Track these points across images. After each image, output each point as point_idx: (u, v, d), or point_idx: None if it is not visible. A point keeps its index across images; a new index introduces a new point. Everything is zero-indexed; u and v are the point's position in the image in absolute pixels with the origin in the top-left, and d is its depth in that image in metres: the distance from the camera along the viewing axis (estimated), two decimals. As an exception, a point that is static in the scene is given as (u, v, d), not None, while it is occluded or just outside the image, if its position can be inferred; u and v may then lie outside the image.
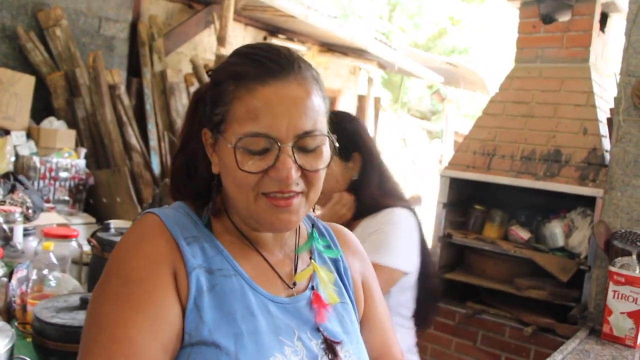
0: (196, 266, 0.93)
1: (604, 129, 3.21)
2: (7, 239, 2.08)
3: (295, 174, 0.92)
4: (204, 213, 1.02)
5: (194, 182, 1.06)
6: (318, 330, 1.01)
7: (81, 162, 4.66)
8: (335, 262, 1.14)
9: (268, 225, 0.97)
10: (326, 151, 0.97)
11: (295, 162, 0.92)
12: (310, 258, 1.10)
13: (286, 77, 0.92)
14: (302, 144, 0.93)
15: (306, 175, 0.94)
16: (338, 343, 1.01)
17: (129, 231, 0.96)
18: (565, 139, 3.29)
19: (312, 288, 1.05)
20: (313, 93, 0.94)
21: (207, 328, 0.89)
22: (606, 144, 3.16)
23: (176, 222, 0.97)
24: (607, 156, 3.07)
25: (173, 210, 1.01)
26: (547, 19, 3.49)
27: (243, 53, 0.97)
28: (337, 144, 0.99)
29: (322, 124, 0.95)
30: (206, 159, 1.02)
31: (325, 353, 0.98)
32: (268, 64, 0.92)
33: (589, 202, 3.14)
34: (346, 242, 1.20)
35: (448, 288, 3.69)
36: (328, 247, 1.14)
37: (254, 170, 0.91)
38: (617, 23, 3.58)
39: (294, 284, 1.04)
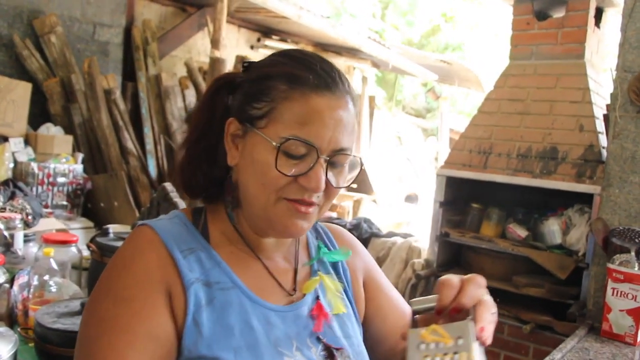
0: (194, 280, 0.92)
1: (600, 126, 3.21)
2: (8, 245, 2.08)
3: (322, 186, 0.92)
4: (201, 221, 1.01)
5: (209, 174, 1.04)
6: (317, 337, 1.00)
7: (79, 167, 4.67)
8: (334, 264, 1.13)
9: (281, 229, 0.96)
10: (347, 170, 0.98)
11: (325, 175, 0.92)
12: (315, 269, 1.09)
13: (338, 92, 0.94)
14: (335, 160, 0.94)
15: (328, 189, 0.95)
16: (339, 349, 1.00)
17: (122, 246, 0.95)
18: (561, 136, 3.29)
19: (317, 298, 1.05)
20: (355, 115, 0.96)
21: (207, 343, 0.89)
22: (603, 140, 3.17)
23: (171, 233, 0.95)
24: (604, 153, 3.07)
25: (168, 221, 0.99)
26: (541, 16, 3.49)
27: (296, 57, 0.97)
28: (363, 165, 1.00)
29: (353, 145, 0.97)
30: (220, 149, 1.00)
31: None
32: (324, 75, 0.93)
33: (586, 199, 3.15)
34: (344, 242, 1.19)
35: (447, 286, 3.69)
36: (337, 252, 1.14)
37: (287, 172, 0.91)
38: (613, 18, 3.58)
39: (294, 290, 1.04)
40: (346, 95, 0.95)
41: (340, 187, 0.97)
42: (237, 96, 0.99)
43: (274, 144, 0.91)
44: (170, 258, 0.92)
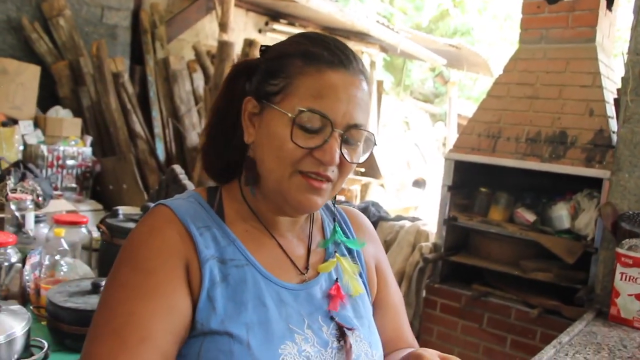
0: (209, 257, 0.94)
1: (610, 110, 3.19)
2: (20, 226, 2.10)
3: (337, 159, 0.94)
4: (216, 200, 1.03)
5: (227, 156, 1.06)
6: (330, 317, 1.02)
7: (87, 150, 4.69)
8: (349, 247, 1.15)
9: (294, 204, 0.97)
10: (362, 149, 1.00)
11: (340, 149, 0.94)
12: (335, 252, 1.11)
13: (353, 70, 0.96)
14: (349, 135, 0.96)
15: (342, 164, 0.96)
16: (351, 329, 1.02)
17: (140, 222, 0.97)
18: (571, 121, 3.28)
19: (336, 280, 1.07)
20: (368, 95, 0.98)
21: (220, 318, 0.90)
22: (613, 125, 3.15)
23: (188, 212, 0.97)
24: (614, 137, 3.06)
25: (184, 201, 1.01)
26: (552, -1, 3.46)
27: (313, 37, 1.00)
28: (376, 144, 1.02)
29: (368, 123, 0.99)
30: (238, 132, 1.02)
31: (337, 339, 0.99)
32: (339, 54, 0.96)
33: (595, 184, 3.14)
34: (360, 226, 1.21)
35: (453, 270, 3.71)
36: (351, 241, 1.15)
37: (303, 145, 0.93)
38: (625, 1, 3.53)
39: (307, 269, 1.05)
40: (360, 74, 0.97)
41: (354, 163, 0.98)
42: (254, 78, 1.01)
43: (290, 115, 0.93)
44: (188, 235, 0.94)
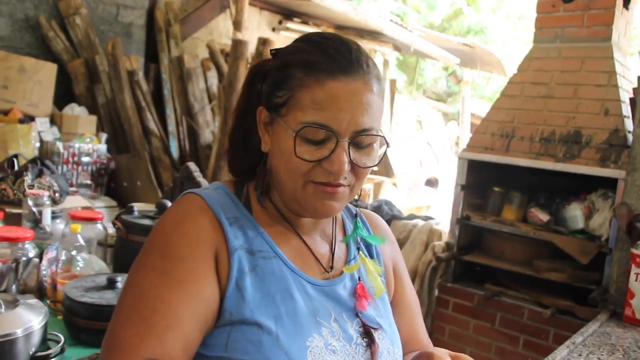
0: (238, 247, 0.95)
1: (626, 110, 3.16)
2: (37, 221, 2.12)
3: (346, 168, 0.94)
4: (243, 193, 1.04)
5: (248, 157, 1.07)
6: (355, 314, 1.03)
7: (102, 147, 4.73)
8: (368, 247, 1.16)
9: (312, 210, 0.99)
10: (377, 149, 0.99)
11: (349, 156, 0.94)
12: (358, 249, 1.12)
13: (355, 74, 0.93)
14: (358, 140, 0.95)
15: (355, 170, 0.96)
16: (376, 329, 1.03)
17: (171, 209, 0.98)
18: (585, 120, 3.26)
19: (359, 279, 1.07)
20: (376, 93, 0.96)
21: (249, 308, 0.91)
22: (629, 124, 3.12)
23: (218, 202, 0.99)
24: (630, 137, 3.04)
25: (213, 191, 1.02)
26: (567, -2, 3.44)
27: (314, 42, 0.98)
28: (389, 143, 1.01)
29: (378, 123, 0.97)
30: (257, 135, 1.03)
31: (361, 336, 1.00)
32: (340, 59, 0.94)
33: (610, 184, 3.12)
34: (378, 228, 1.22)
35: (466, 270, 3.70)
36: (374, 237, 1.15)
37: (309, 158, 0.93)
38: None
39: (331, 267, 1.06)
40: (365, 76, 0.95)
41: (369, 167, 0.97)
42: (265, 84, 1.01)
43: (291, 132, 0.93)
44: (218, 224, 0.95)
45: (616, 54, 3.31)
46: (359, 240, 1.14)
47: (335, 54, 0.94)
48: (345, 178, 0.96)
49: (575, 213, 3.31)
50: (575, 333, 2.33)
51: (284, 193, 1.01)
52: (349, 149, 0.93)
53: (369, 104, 0.94)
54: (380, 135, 0.97)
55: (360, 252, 1.11)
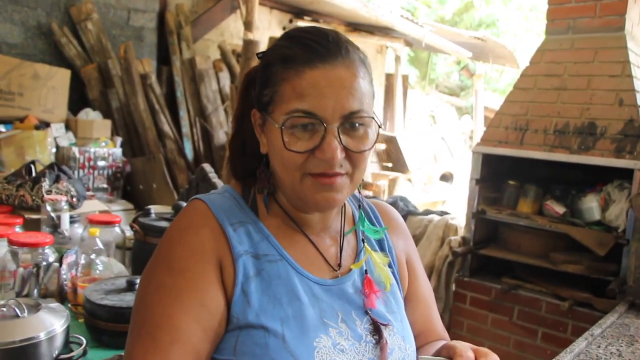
0: (242, 252, 0.96)
1: (641, 99, 3.14)
2: (55, 226, 2.15)
3: (340, 155, 0.93)
4: (250, 195, 1.05)
5: (247, 162, 1.08)
6: (364, 311, 1.02)
7: (117, 151, 4.77)
8: (380, 241, 1.16)
9: (312, 204, 0.98)
10: (372, 133, 0.97)
11: (341, 142, 0.93)
12: (363, 241, 1.12)
13: (334, 60, 0.93)
14: (348, 125, 0.94)
15: (351, 156, 0.95)
16: (386, 325, 1.03)
17: (177, 219, 0.99)
18: (600, 111, 3.24)
19: (365, 272, 1.07)
20: (360, 76, 0.95)
21: (255, 312, 0.92)
22: (643, 114, 3.10)
23: (222, 207, 0.99)
24: (644, 127, 3.02)
25: (219, 196, 1.03)
26: (579, -11, 3.41)
27: (292, 36, 0.99)
28: (381, 125, 1.00)
29: (368, 106, 0.96)
30: (256, 139, 1.04)
31: (370, 334, 1.00)
32: (316, 47, 0.93)
33: (626, 175, 3.10)
34: (390, 221, 1.21)
35: (483, 264, 3.69)
36: (374, 229, 1.14)
37: (300, 150, 0.93)
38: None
39: (339, 266, 1.06)
40: (346, 60, 0.94)
41: (363, 151, 0.96)
42: (255, 87, 1.02)
43: (277, 125, 0.94)
44: (222, 231, 0.96)
45: (630, 44, 3.28)
46: (366, 234, 1.13)
47: (312, 44, 0.94)
48: (341, 166, 0.95)
49: (591, 205, 3.29)
50: (594, 325, 2.32)
51: (285, 190, 1.02)
52: (339, 135, 0.92)
53: (353, 88, 0.93)
54: (370, 117, 0.96)
55: (366, 244, 1.11)
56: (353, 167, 0.97)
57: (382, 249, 1.15)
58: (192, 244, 0.94)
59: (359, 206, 1.15)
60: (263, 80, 0.98)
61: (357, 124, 0.95)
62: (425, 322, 1.20)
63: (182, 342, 0.88)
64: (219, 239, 0.96)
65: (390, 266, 1.13)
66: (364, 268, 1.08)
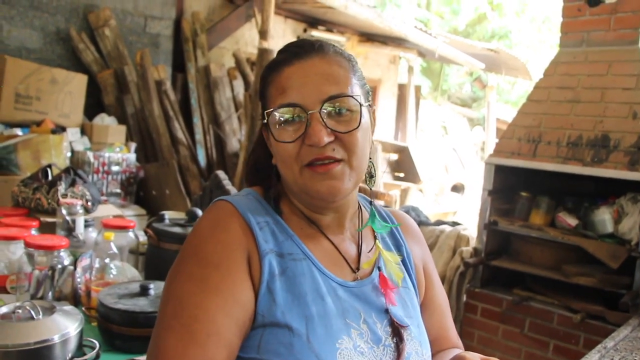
0: (268, 251, 0.97)
1: (655, 113, 3.13)
2: (70, 230, 2.17)
3: (327, 138, 0.96)
4: (272, 197, 1.07)
5: (261, 174, 1.12)
6: (384, 313, 1.03)
7: (132, 156, 4.80)
8: (398, 247, 1.17)
9: (315, 194, 0.99)
10: (362, 118, 1.00)
11: (326, 126, 0.96)
12: (375, 239, 1.13)
13: (308, 55, 1.00)
14: (331, 109, 0.98)
15: (341, 139, 0.98)
16: (404, 327, 1.04)
17: (203, 217, 1.01)
18: (613, 124, 3.23)
19: (379, 269, 1.09)
20: (336, 64, 1.01)
21: (280, 310, 0.93)
22: (657, 128, 3.09)
23: (248, 207, 1.01)
24: (658, 140, 3.00)
25: (243, 197, 1.05)
26: (593, 2, 3.41)
27: (281, 50, 1.06)
28: (374, 108, 1.05)
29: (350, 90, 0.99)
30: (267, 152, 1.09)
31: (390, 336, 1.01)
32: (294, 49, 1.02)
33: (639, 188, 3.09)
34: (407, 228, 1.23)
35: (494, 275, 3.68)
36: (384, 225, 1.16)
37: (290, 139, 0.97)
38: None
39: (358, 268, 1.07)
40: (320, 53, 1.01)
41: (351, 131, 0.98)
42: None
43: (264, 122, 1.01)
44: (249, 228, 0.98)
45: (644, 57, 3.28)
46: (382, 235, 1.16)
47: (292, 47, 1.03)
48: (334, 150, 0.97)
49: (604, 217, 3.28)
50: (607, 338, 2.31)
51: (292, 191, 1.05)
52: (323, 119, 0.96)
53: (330, 74, 0.99)
54: (350, 95, 0.99)
55: (378, 243, 1.12)
56: (348, 152, 0.99)
57: (400, 254, 1.16)
58: (223, 239, 0.96)
59: (371, 202, 1.16)
60: (260, 90, 1.06)
61: (343, 110, 0.98)
62: (440, 330, 1.21)
63: (218, 336, 0.88)
64: (247, 235, 0.97)
65: (405, 265, 1.15)
66: (378, 266, 1.09)
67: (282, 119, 0.98)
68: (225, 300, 0.91)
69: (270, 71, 1.02)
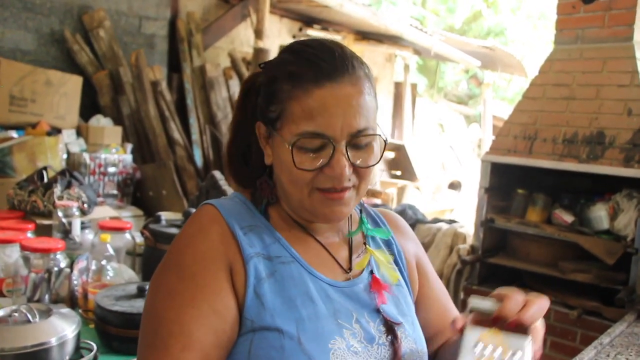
0: (253, 255, 0.96)
1: (649, 109, 3.14)
2: (67, 232, 2.16)
3: (348, 171, 0.95)
4: (262, 202, 1.06)
5: (249, 170, 1.10)
6: (376, 312, 1.03)
7: (128, 157, 4.79)
8: (388, 245, 1.16)
9: (321, 217, 1.00)
10: (377, 147, 0.99)
11: (349, 159, 0.95)
12: (364, 243, 1.13)
13: (341, 77, 0.94)
14: (355, 142, 0.96)
15: (358, 171, 0.98)
16: (398, 324, 1.03)
17: (187, 224, 1.00)
18: (608, 121, 3.24)
19: (371, 272, 1.08)
20: (366, 92, 0.96)
21: (270, 313, 0.93)
22: (653, 124, 3.10)
23: (232, 212, 1.01)
24: (653, 136, 3.01)
25: (229, 201, 1.05)
26: (587, -1, 3.42)
27: (297, 51, 0.99)
28: (386, 140, 1.02)
29: (373, 121, 0.98)
30: (259, 149, 1.05)
31: (384, 335, 1.01)
32: (322, 65, 0.94)
33: (634, 184, 3.10)
34: (397, 226, 1.22)
35: (491, 272, 3.69)
36: (378, 228, 1.16)
37: (310, 168, 0.94)
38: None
39: (350, 268, 1.07)
40: (352, 77, 0.95)
41: (370, 166, 0.98)
42: (259, 99, 1.03)
43: (287, 145, 0.95)
44: (232, 235, 0.97)
45: (638, 54, 3.28)
46: (372, 235, 1.15)
47: (318, 61, 0.95)
48: (349, 180, 0.97)
49: (600, 214, 3.28)
50: (603, 334, 2.31)
51: (291, 203, 1.03)
52: (347, 152, 0.94)
53: (360, 105, 0.95)
54: (376, 135, 0.98)
55: (367, 245, 1.12)
56: (360, 180, 0.99)
57: (391, 252, 1.15)
58: (202, 248, 0.95)
59: (361, 210, 1.17)
60: (269, 95, 0.99)
61: (366, 144, 0.97)
62: (443, 319, 1.19)
63: (194, 349, 0.88)
64: (229, 243, 0.96)
65: (396, 263, 1.15)
66: (370, 268, 1.09)
67: (305, 146, 0.94)
68: (200, 311, 0.91)
69: (294, 84, 0.95)
